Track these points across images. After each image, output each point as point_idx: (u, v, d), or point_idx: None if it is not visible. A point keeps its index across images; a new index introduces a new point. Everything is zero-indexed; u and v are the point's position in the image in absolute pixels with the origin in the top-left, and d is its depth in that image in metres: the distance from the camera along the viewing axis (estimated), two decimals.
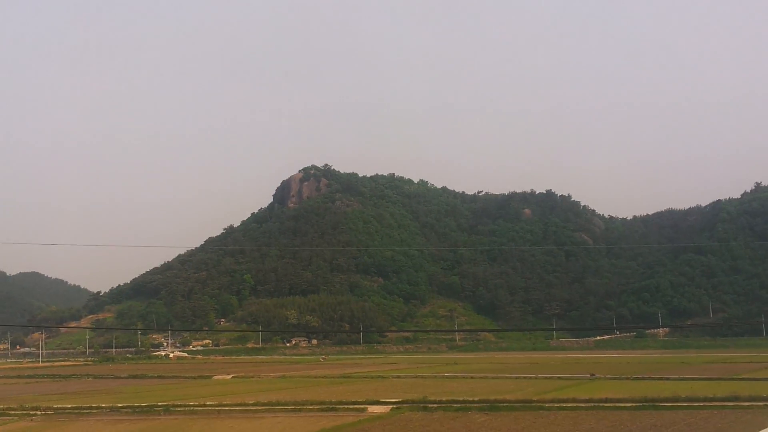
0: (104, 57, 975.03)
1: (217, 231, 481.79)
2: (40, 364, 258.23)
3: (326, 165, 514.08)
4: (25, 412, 79.25)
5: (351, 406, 76.88)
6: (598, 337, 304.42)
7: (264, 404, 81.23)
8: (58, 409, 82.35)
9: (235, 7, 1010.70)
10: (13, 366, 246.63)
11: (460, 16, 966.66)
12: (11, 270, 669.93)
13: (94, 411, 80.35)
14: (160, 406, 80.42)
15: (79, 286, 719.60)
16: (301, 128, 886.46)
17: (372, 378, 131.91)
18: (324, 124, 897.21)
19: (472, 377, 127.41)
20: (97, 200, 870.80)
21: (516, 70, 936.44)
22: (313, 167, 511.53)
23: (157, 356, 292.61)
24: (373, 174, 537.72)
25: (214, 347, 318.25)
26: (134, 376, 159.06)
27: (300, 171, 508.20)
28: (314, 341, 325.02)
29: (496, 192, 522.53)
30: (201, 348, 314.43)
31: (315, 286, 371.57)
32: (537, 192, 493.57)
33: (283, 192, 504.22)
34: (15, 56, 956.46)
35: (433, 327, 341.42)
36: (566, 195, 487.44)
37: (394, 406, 76.34)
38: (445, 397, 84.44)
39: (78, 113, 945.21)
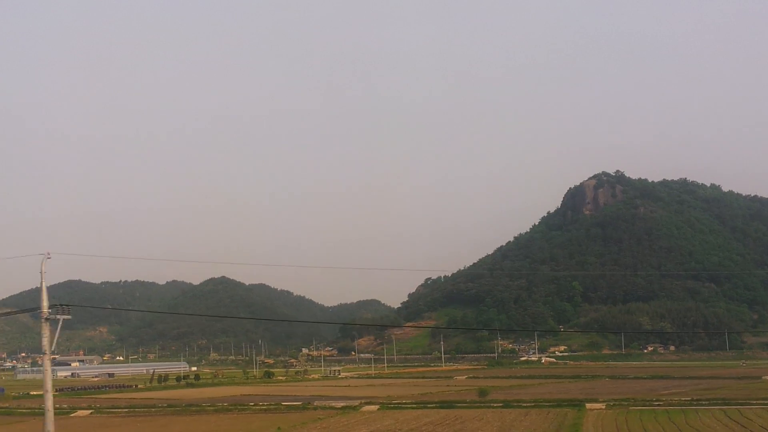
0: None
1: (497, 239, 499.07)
2: (446, 367, 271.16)
3: (618, 171, 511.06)
4: None
5: None
6: None
7: None
8: None
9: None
10: (399, 371, 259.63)
11: None
12: (246, 281, 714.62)
13: None
14: None
15: (303, 296, 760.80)
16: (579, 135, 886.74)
17: None
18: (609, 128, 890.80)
19: None
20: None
21: None
22: (605, 173, 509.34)
23: (527, 361, 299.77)
24: (660, 179, 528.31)
25: (572, 353, 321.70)
26: (656, 377, 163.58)
27: (592, 177, 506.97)
28: (671, 347, 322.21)
29: None
30: (563, 354, 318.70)
31: (651, 292, 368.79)
32: None
33: (574, 199, 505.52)
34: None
35: None
36: None
37: None
38: None
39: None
